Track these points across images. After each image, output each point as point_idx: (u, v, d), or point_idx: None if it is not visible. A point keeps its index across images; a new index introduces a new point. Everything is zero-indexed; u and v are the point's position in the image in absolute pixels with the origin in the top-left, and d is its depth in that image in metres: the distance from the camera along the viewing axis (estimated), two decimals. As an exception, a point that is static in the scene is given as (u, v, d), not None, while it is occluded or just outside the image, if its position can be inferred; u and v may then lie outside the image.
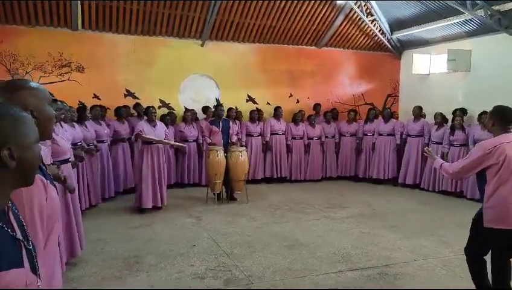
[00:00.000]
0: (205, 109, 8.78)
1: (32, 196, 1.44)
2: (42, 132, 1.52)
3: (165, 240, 5.19)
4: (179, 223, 5.93)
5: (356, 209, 6.82)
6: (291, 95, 9.91)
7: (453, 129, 7.86)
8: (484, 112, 7.12)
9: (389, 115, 9.18)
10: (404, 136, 8.88)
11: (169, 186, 7.93)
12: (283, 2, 8.66)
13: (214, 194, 7.14)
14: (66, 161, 4.36)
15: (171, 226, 5.81)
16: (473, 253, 3.37)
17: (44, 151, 3.42)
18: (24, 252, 1.16)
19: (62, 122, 4.85)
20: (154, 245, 4.99)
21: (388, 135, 8.97)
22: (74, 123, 6.04)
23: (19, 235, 1.16)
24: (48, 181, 1.61)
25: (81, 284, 3.92)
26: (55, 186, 1.71)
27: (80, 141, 6.09)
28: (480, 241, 3.30)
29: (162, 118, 7.95)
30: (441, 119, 8.30)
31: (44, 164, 1.70)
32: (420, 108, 8.80)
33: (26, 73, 7.76)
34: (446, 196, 7.86)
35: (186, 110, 8.77)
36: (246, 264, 4.40)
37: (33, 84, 1.61)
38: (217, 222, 6.04)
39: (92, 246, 4.85)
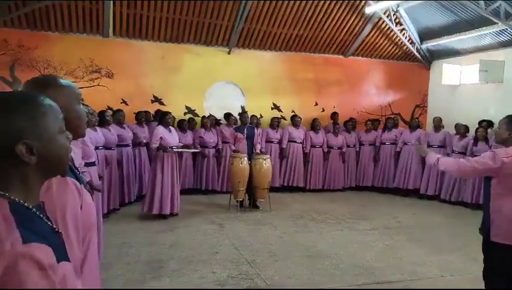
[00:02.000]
0: (227, 116, 8.80)
1: (65, 204, 1.33)
2: (74, 131, 1.46)
3: (187, 245, 5.22)
4: (201, 230, 5.96)
5: (380, 221, 6.70)
6: (316, 104, 9.86)
7: (476, 140, 7.67)
8: None
9: (416, 124, 9.02)
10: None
11: (186, 192, 7.94)
12: (311, 11, 8.67)
13: (237, 201, 7.13)
14: (93, 163, 4.45)
15: (194, 232, 5.84)
16: (488, 276, 3.12)
17: (75, 153, 3.50)
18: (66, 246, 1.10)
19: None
20: (177, 250, 5.02)
21: (414, 144, 8.78)
22: (96, 127, 6.07)
23: (57, 228, 1.10)
24: (82, 186, 1.49)
25: (106, 286, 3.98)
26: (90, 191, 1.59)
27: (101, 146, 6.14)
28: (491, 258, 3.08)
29: (181, 123, 8.01)
30: (463, 130, 8.11)
31: (76, 168, 1.58)
32: (440, 119, 8.64)
33: (59, 78, 7.98)
34: (468, 208, 7.64)
35: (205, 116, 8.69)
36: (267, 274, 4.38)
37: (62, 81, 1.52)
38: (239, 229, 6.04)
39: (116, 249, 4.93)
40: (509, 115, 3.11)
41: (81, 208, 1.43)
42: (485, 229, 3.11)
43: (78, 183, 1.45)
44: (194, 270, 4.43)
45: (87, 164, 4.20)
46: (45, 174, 1.08)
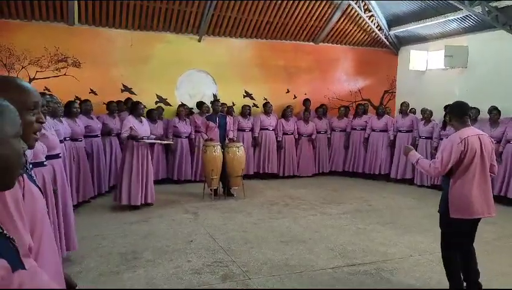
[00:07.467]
0: (200, 104, 8.72)
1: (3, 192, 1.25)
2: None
3: (162, 235, 5.19)
4: (175, 219, 5.94)
5: (352, 205, 6.85)
6: (288, 91, 9.91)
7: (444, 124, 7.91)
8: (494, 108, 7.15)
9: (383, 111, 9.26)
10: (394, 132, 8.95)
11: (159, 182, 7.87)
12: (280, -2, 8.64)
13: (211, 189, 7.13)
14: (56, 156, 4.26)
15: (168, 221, 5.81)
16: (447, 248, 3.51)
17: (38, 147, 3.38)
18: None
19: (50, 117, 4.76)
20: (152, 241, 4.99)
21: (381, 131, 9.05)
22: (62, 118, 5.81)
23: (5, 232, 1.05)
24: (26, 176, 1.43)
25: (79, 280, 3.92)
26: (37, 186, 1.53)
27: (68, 137, 5.92)
28: (450, 232, 3.47)
29: (150, 113, 7.79)
30: (428, 115, 8.36)
31: (26, 163, 1.51)
32: (407, 104, 8.89)
33: (22, 68, 7.72)
34: (439, 191, 7.87)
35: (180, 105, 8.64)
36: (242, 260, 4.42)
37: (20, 83, 1.38)
38: (214, 217, 6.05)
39: (89, 241, 4.85)
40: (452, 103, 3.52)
41: (23, 196, 1.35)
42: (444, 208, 3.46)
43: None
44: (169, 260, 4.42)
45: (50, 157, 4.00)
46: None
